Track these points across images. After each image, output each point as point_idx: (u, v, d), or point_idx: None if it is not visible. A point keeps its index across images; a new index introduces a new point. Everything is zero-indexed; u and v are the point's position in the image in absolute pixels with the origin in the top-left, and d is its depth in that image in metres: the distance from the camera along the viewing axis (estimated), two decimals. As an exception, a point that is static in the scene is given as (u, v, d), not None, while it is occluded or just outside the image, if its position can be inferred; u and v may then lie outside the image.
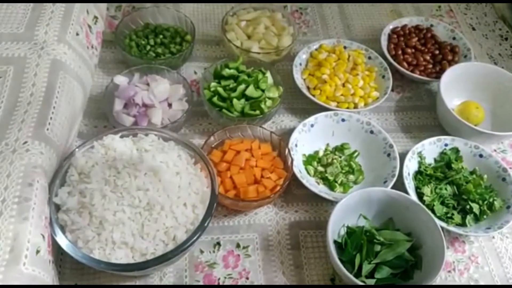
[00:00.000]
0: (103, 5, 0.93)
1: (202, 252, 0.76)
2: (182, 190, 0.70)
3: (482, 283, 0.78)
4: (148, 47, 0.95)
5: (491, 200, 0.81)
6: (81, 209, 0.67)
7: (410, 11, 1.18)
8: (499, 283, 0.78)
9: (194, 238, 0.66)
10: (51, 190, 0.67)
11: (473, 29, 1.16)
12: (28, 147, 0.64)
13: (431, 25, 1.09)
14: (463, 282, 0.78)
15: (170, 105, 0.88)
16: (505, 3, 1.19)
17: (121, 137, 0.75)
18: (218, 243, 0.77)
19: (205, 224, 0.67)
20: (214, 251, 0.77)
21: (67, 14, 0.79)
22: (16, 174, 0.61)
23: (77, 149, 0.72)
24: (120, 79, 0.87)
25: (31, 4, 0.78)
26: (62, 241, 0.64)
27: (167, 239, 0.67)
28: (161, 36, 0.97)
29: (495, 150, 0.95)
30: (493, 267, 0.80)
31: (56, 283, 0.63)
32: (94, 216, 0.65)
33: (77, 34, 0.80)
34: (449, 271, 0.79)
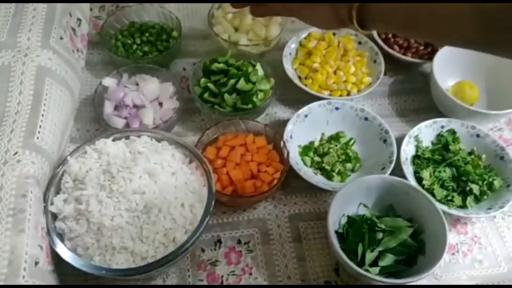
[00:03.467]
0: (86, 6, 0.91)
1: (203, 250, 0.76)
2: (178, 190, 0.69)
3: (486, 263, 0.78)
4: (135, 46, 0.94)
5: (490, 180, 0.81)
6: (78, 216, 0.66)
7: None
8: (502, 263, 0.78)
9: (194, 238, 0.66)
10: (46, 199, 0.66)
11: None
12: (19, 158, 0.63)
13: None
14: (467, 263, 0.78)
15: (161, 104, 0.86)
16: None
17: (113, 140, 0.74)
18: (219, 241, 0.77)
19: (204, 224, 0.66)
20: (215, 249, 0.76)
21: (49, 18, 0.77)
22: (8, 186, 0.60)
23: (69, 156, 0.71)
24: (109, 81, 0.86)
25: (12, 10, 0.77)
26: (62, 250, 0.63)
27: (166, 241, 0.66)
28: (147, 34, 0.95)
29: (491, 129, 0.94)
30: (496, 247, 0.80)
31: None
32: (92, 223, 0.65)
33: (61, 38, 0.78)
34: (453, 254, 0.79)
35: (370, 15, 0.58)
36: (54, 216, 0.67)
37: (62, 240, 0.65)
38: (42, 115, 0.68)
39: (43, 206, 0.64)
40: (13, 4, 0.77)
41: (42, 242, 0.60)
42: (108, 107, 0.83)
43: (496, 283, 0.77)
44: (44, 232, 0.62)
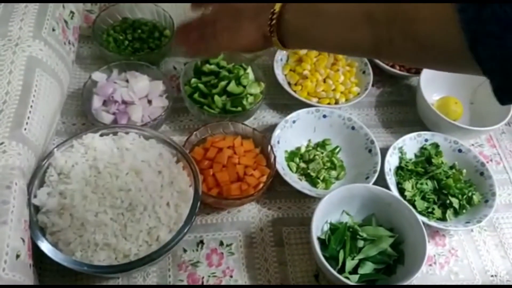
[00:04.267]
0: (80, -1, 0.90)
1: (185, 251, 0.76)
2: (164, 189, 0.69)
3: (461, 275, 0.80)
4: (126, 43, 0.93)
5: (470, 194, 0.83)
6: (61, 210, 0.65)
7: None
8: (477, 276, 0.80)
9: (178, 238, 0.66)
10: (30, 191, 0.65)
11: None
12: (5, 148, 0.62)
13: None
14: (444, 275, 0.80)
15: (150, 101, 0.86)
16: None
17: (101, 135, 0.73)
18: (201, 242, 0.77)
19: (189, 224, 0.67)
20: (197, 250, 0.76)
21: (42, 9, 0.77)
22: (-7, 177, 0.59)
23: (56, 149, 0.70)
24: (99, 76, 0.85)
25: (3, -2, 0.76)
26: (43, 244, 0.63)
27: (150, 239, 0.66)
28: (139, 31, 0.95)
29: (472, 145, 0.96)
30: (472, 260, 0.82)
31: (36, 287, 0.62)
32: (75, 218, 0.64)
33: (53, 30, 0.77)
34: (430, 265, 0.80)
35: (290, 25, 0.59)
36: (37, 209, 0.66)
37: (44, 234, 0.64)
38: (31, 106, 0.67)
39: (27, 199, 0.64)
40: (6, -8, 0.76)
41: (24, 235, 0.59)
42: (97, 102, 0.83)
43: (471, 296, 0.79)
44: (27, 225, 0.61)
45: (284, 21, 0.58)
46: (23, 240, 0.58)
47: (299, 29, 0.58)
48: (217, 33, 0.66)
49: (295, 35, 0.59)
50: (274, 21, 0.58)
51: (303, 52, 0.97)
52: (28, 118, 0.66)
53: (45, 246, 0.63)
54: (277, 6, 0.58)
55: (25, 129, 0.65)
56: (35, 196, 0.66)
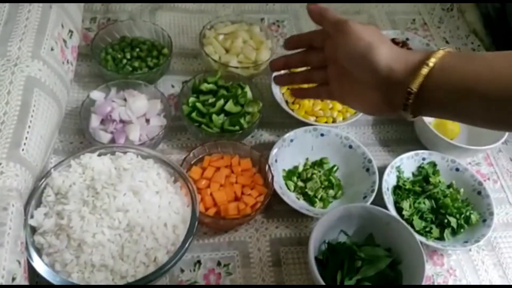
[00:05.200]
0: (79, 18, 0.91)
1: (182, 271, 0.75)
2: (162, 210, 0.69)
3: (460, 296, 0.80)
4: (125, 61, 0.94)
5: (467, 213, 0.83)
6: (58, 231, 0.65)
7: (386, 24, 1.20)
8: (476, 296, 0.80)
9: (175, 259, 0.65)
10: (27, 212, 0.65)
11: (447, 42, 1.19)
12: (2, 170, 0.61)
13: (407, 39, 1.10)
14: (442, 295, 0.79)
15: (148, 120, 0.86)
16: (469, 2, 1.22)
17: (99, 155, 0.73)
18: (199, 262, 0.76)
19: (186, 246, 0.66)
20: (194, 270, 0.76)
21: (41, 29, 0.77)
22: (-10, 198, 0.59)
23: (53, 169, 0.70)
24: (97, 95, 0.85)
25: (3, 18, 0.76)
26: (39, 265, 0.62)
27: (147, 260, 0.66)
28: (137, 50, 0.96)
29: (470, 163, 0.97)
30: (471, 280, 0.82)
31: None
32: (72, 239, 0.64)
33: (52, 50, 0.77)
34: (429, 285, 0.80)
35: (430, 101, 0.54)
36: (33, 230, 0.66)
37: (40, 255, 0.64)
38: (29, 126, 0.67)
39: (24, 220, 0.63)
40: (6, 11, 0.77)
41: (20, 257, 0.59)
42: (95, 121, 0.83)
43: (469, 316, 0.78)
44: (23, 247, 0.61)
45: (423, 98, 0.53)
46: (19, 263, 0.58)
47: (441, 105, 0.54)
48: (331, 81, 0.65)
49: (434, 110, 0.55)
50: (411, 101, 0.54)
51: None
52: (26, 138, 0.66)
53: (41, 268, 0.63)
54: (415, 86, 0.53)
55: (22, 149, 0.65)
56: (31, 217, 0.66)
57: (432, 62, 0.53)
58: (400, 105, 0.55)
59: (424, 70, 0.52)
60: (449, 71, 0.52)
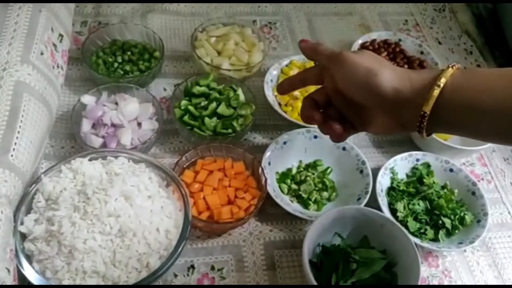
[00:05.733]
0: (69, 22, 0.90)
1: (176, 276, 0.74)
2: (154, 215, 0.68)
3: (455, 297, 0.79)
4: (116, 65, 0.93)
5: (462, 214, 0.83)
6: (49, 237, 0.64)
7: (378, 25, 1.20)
8: (472, 297, 0.80)
9: (168, 264, 0.65)
10: (16, 218, 0.64)
11: (439, 43, 1.18)
12: (-9, 176, 0.61)
13: (400, 40, 1.10)
14: (437, 297, 0.79)
15: (139, 124, 0.85)
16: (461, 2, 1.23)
17: (90, 160, 0.73)
18: (192, 266, 0.76)
19: (179, 250, 0.66)
20: (188, 275, 0.75)
21: (30, 33, 0.76)
22: (-22, 205, 0.58)
23: (43, 174, 0.69)
24: (88, 99, 0.84)
25: (-9, 24, 0.75)
26: (29, 273, 0.62)
27: (140, 266, 0.65)
28: (129, 53, 0.95)
29: (464, 164, 0.96)
30: (466, 281, 0.81)
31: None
32: (63, 245, 0.63)
33: (42, 54, 0.76)
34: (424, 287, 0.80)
35: (443, 121, 0.55)
36: (23, 237, 0.65)
37: (30, 262, 0.63)
38: (18, 132, 0.66)
39: (13, 226, 0.63)
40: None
41: (10, 265, 0.58)
42: (86, 125, 0.82)
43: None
44: (12, 254, 0.60)
45: (436, 118, 0.54)
46: (8, 270, 0.57)
47: (455, 124, 0.54)
48: (345, 115, 0.66)
49: (447, 128, 0.56)
50: (425, 123, 0.54)
51: (293, 73, 0.97)
52: (15, 144, 0.65)
53: (31, 275, 0.62)
54: (428, 108, 0.53)
55: (12, 155, 0.64)
56: (21, 223, 0.65)
57: (442, 82, 0.53)
58: (414, 126, 0.56)
59: (436, 92, 0.53)
60: (460, 90, 0.52)
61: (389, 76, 0.56)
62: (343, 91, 0.61)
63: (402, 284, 0.73)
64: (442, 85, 0.53)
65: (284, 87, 0.73)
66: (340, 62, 0.60)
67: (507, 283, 0.81)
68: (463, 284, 0.81)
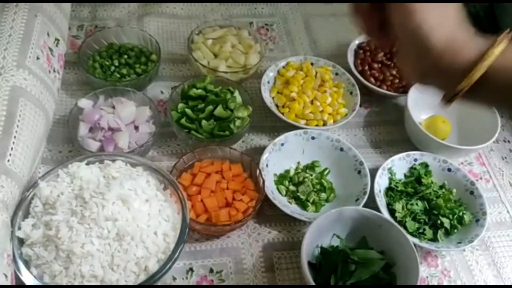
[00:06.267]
0: (65, 26, 0.90)
1: (174, 279, 0.74)
2: (152, 218, 0.68)
3: (455, 297, 0.79)
4: (113, 68, 0.93)
5: (460, 214, 0.82)
6: (46, 242, 0.64)
7: (374, 25, 1.19)
8: (471, 297, 0.79)
9: (166, 268, 0.65)
10: (14, 223, 0.64)
11: (436, 42, 1.18)
12: (-13, 182, 0.61)
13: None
14: (437, 297, 0.79)
15: (136, 127, 0.85)
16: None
17: (87, 164, 0.73)
18: (191, 269, 0.76)
19: (177, 254, 0.66)
20: (187, 277, 0.75)
21: (26, 38, 0.76)
22: (-25, 210, 0.58)
23: (40, 179, 0.69)
24: (85, 103, 0.84)
25: (-13, 29, 0.75)
26: (27, 278, 0.62)
27: (138, 270, 0.65)
28: (125, 56, 0.95)
29: (462, 163, 0.96)
30: (465, 280, 0.81)
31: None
32: (61, 250, 0.63)
33: (38, 58, 0.76)
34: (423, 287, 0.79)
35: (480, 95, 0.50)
36: (21, 242, 0.65)
37: (28, 267, 0.63)
38: (15, 137, 0.66)
39: (10, 232, 0.62)
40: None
41: (7, 270, 0.58)
42: (83, 129, 0.82)
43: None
44: (10, 259, 0.60)
45: (472, 91, 0.49)
46: (6, 276, 0.57)
47: (492, 98, 0.52)
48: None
49: (481, 101, 0.54)
50: (456, 97, 0.50)
51: (290, 74, 0.98)
52: (12, 149, 0.65)
53: (29, 280, 0.62)
54: (465, 84, 0.49)
55: (8, 160, 0.64)
56: (19, 228, 0.65)
57: (488, 63, 0.48)
58: (442, 88, 0.52)
59: (477, 74, 0.48)
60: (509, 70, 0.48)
61: (443, 34, 0.50)
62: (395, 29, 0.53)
63: (402, 284, 0.73)
64: (487, 66, 0.47)
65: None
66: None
67: (506, 282, 0.81)
68: (463, 283, 0.81)
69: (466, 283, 0.81)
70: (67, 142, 0.85)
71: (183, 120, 0.85)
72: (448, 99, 0.52)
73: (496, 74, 0.48)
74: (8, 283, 0.57)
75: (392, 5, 0.53)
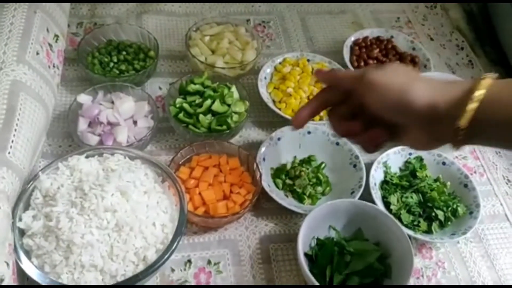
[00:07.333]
0: (64, 23, 0.91)
1: (173, 270, 0.75)
2: (150, 209, 0.69)
3: (449, 288, 0.80)
4: (112, 64, 0.94)
5: (454, 206, 0.84)
6: (47, 233, 0.65)
7: (370, 22, 1.21)
8: None
9: (165, 258, 0.66)
10: (15, 215, 0.65)
11: (431, 39, 1.20)
12: (-11, 173, 0.62)
13: (392, 36, 1.12)
14: None
15: (135, 122, 0.87)
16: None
17: (87, 157, 0.74)
18: (189, 261, 0.77)
19: (175, 244, 0.67)
20: (185, 269, 0.76)
21: (26, 33, 0.77)
22: (-23, 201, 0.59)
23: (41, 171, 0.70)
24: (84, 98, 0.86)
25: (-13, 25, 0.77)
26: (28, 267, 0.63)
27: (137, 260, 0.66)
28: (124, 53, 0.96)
29: (456, 157, 0.98)
30: (459, 272, 0.82)
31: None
32: (61, 240, 0.64)
33: (37, 54, 0.78)
34: (418, 278, 0.81)
35: (479, 134, 0.52)
36: (22, 233, 0.66)
37: (29, 257, 0.64)
38: (15, 130, 0.67)
39: (11, 222, 0.64)
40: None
41: (9, 259, 0.59)
42: (82, 124, 0.83)
43: (458, 308, 0.79)
44: (11, 248, 0.61)
45: (472, 132, 0.51)
46: (8, 264, 0.58)
47: (491, 137, 0.53)
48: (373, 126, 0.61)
49: (483, 141, 0.55)
50: (460, 137, 0.52)
51: (286, 70, 0.99)
52: (12, 142, 0.66)
53: (30, 270, 0.63)
54: (463, 122, 0.50)
55: (9, 153, 0.65)
56: (20, 220, 0.66)
57: (478, 95, 0.50)
58: (449, 140, 0.54)
59: (471, 106, 0.50)
60: (498, 104, 0.50)
61: (422, 91, 0.54)
62: (375, 112, 0.58)
63: (400, 285, 0.73)
64: (478, 98, 0.50)
65: (302, 118, 0.65)
66: (368, 86, 0.57)
67: (499, 274, 0.82)
68: (457, 275, 0.82)
69: (460, 275, 0.82)
70: (67, 137, 0.87)
71: (181, 115, 0.86)
72: (455, 141, 0.53)
73: (490, 106, 0.50)
74: (10, 272, 0.58)
75: (363, 92, 0.58)
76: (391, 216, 0.77)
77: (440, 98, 0.53)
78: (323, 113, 0.94)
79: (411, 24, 1.23)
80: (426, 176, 0.88)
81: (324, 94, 0.66)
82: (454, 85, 0.53)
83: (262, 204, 0.84)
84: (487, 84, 0.51)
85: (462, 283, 0.81)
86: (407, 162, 0.91)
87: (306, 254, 0.75)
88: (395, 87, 0.55)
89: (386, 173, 0.89)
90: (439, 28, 1.23)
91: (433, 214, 0.83)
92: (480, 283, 0.81)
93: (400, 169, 0.91)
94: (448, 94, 0.53)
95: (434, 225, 0.83)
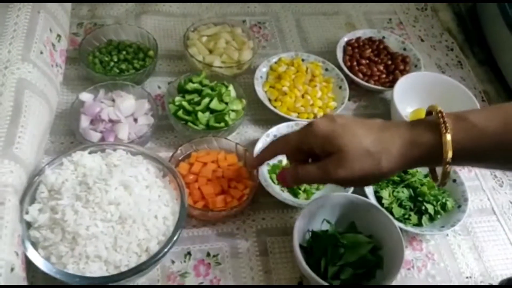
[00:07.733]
0: (66, 23, 0.94)
1: (173, 262, 0.78)
2: (152, 203, 0.72)
3: (438, 278, 0.83)
4: (112, 64, 0.97)
5: (444, 200, 0.87)
6: (53, 225, 0.67)
7: (363, 23, 1.24)
8: (453, 278, 0.84)
9: (166, 249, 0.68)
10: (21, 209, 0.68)
11: (422, 40, 1.23)
12: (-3, 167, 0.64)
13: (383, 37, 1.15)
14: (422, 278, 0.83)
15: (136, 120, 0.89)
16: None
17: (90, 153, 0.76)
18: (189, 253, 0.79)
19: (176, 235, 0.69)
20: (185, 261, 0.79)
21: (30, 33, 0.80)
22: (-14, 194, 0.62)
23: (46, 166, 0.73)
24: (86, 96, 0.88)
25: (-8, 24, 0.79)
26: (35, 257, 0.65)
27: (140, 251, 0.69)
28: (124, 53, 0.99)
29: (445, 154, 1.01)
30: (448, 263, 0.86)
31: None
32: (67, 232, 0.66)
33: (41, 53, 0.80)
34: (409, 269, 0.84)
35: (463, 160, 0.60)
36: (29, 225, 0.68)
37: (36, 249, 0.66)
38: (22, 125, 0.70)
39: (20, 214, 0.66)
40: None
41: (18, 249, 0.61)
42: (84, 121, 0.86)
43: (448, 297, 0.83)
44: (20, 239, 0.63)
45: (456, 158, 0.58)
46: (17, 254, 0.60)
47: (473, 159, 0.61)
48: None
49: (467, 163, 0.64)
50: (448, 168, 0.59)
51: (282, 69, 1.02)
52: (19, 137, 0.69)
53: (38, 260, 0.65)
54: (449, 155, 0.57)
55: (16, 147, 0.68)
56: (26, 213, 0.68)
57: (449, 158, 0.57)
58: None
59: (448, 168, 0.59)
60: (464, 151, 0.58)
61: (393, 157, 0.59)
62: (341, 182, 0.65)
63: (399, 285, 0.76)
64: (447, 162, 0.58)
65: (256, 162, 0.79)
66: (337, 155, 0.61)
67: (486, 265, 0.86)
68: (446, 266, 0.85)
69: (449, 266, 0.85)
70: (69, 134, 0.89)
71: (180, 113, 0.89)
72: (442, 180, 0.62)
73: (459, 152, 0.58)
74: (19, 261, 0.61)
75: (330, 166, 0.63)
76: (384, 210, 0.80)
77: (413, 153, 0.60)
78: (317, 111, 0.97)
79: (402, 25, 1.26)
80: (417, 171, 0.92)
81: (282, 148, 0.72)
82: (421, 135, 0.60)
83: (259, 199, 0.86)
84: (449, 145, 0.57)
85: (451, 274, 0.84)
86: (398, 159, 0.94)
87: (301, 246, 0.77)
88: (366, 158, 0.60)
89: (378, 169, 0.92)
90: (430, 30, 1.26)
91: (423, 208, 0.86)
92: (468, 274, 0.85)
93: (392, 165, 0.94)
94: (419, 146, 0.60)
95: (424, 219, 0.86)
